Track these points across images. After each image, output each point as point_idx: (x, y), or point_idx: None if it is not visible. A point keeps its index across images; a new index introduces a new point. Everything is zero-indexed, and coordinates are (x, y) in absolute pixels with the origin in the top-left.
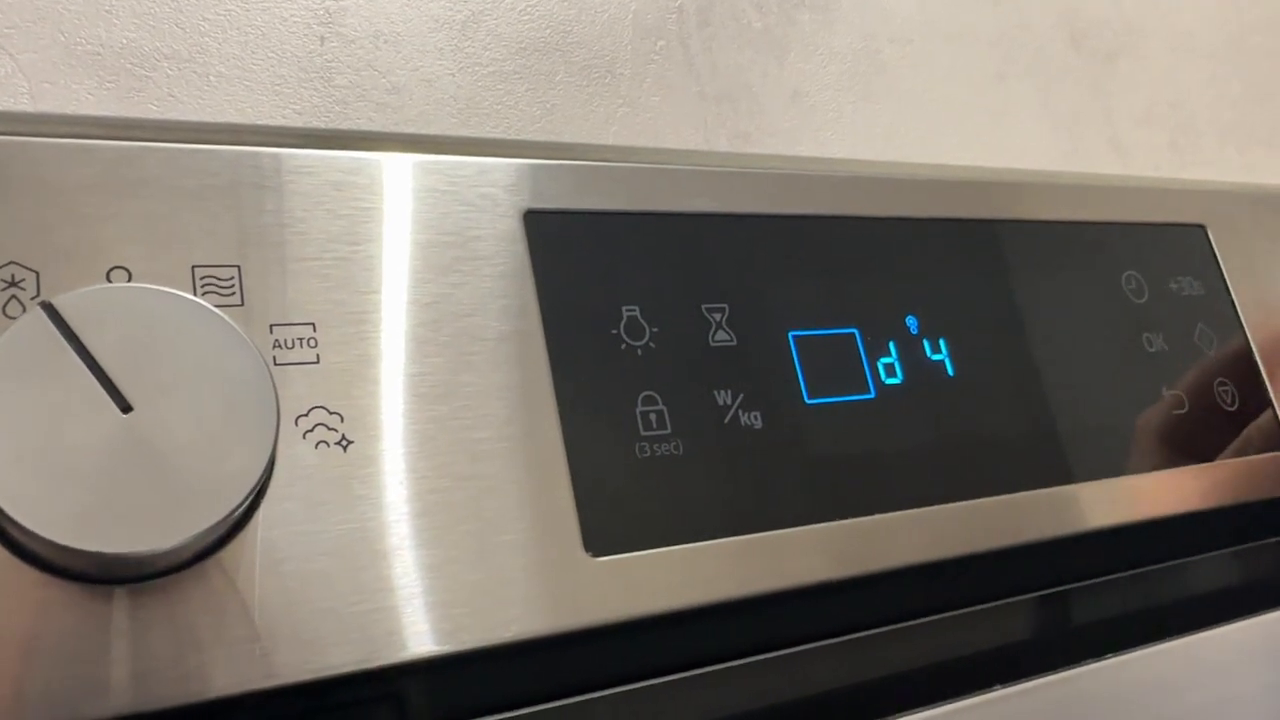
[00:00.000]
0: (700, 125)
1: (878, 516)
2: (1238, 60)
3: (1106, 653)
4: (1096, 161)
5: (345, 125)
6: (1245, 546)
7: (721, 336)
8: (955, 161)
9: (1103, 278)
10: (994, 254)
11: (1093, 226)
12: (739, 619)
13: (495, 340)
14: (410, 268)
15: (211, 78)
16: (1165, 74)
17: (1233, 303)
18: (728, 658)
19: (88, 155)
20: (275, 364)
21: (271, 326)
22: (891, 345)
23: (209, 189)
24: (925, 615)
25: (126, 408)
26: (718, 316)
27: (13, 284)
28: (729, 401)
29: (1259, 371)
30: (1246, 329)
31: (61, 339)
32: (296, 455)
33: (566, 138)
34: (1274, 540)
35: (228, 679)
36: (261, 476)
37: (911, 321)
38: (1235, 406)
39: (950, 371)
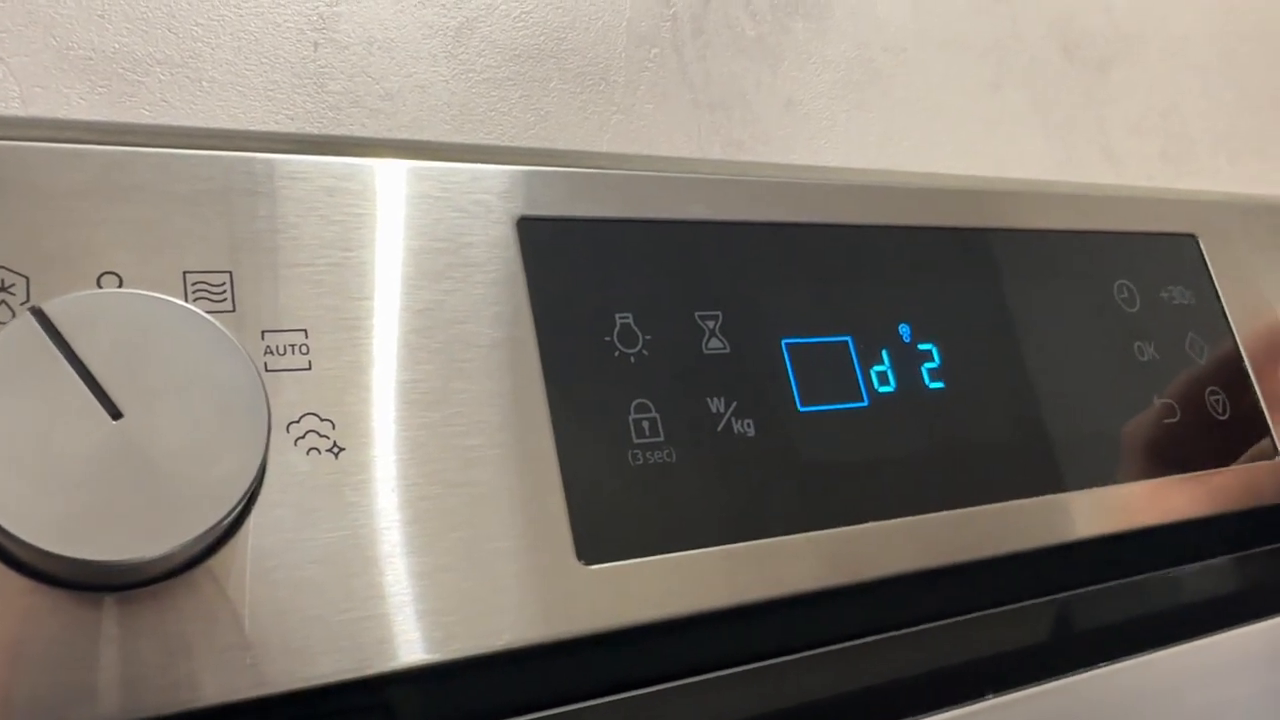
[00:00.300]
0: (694, 133)
1: (871, 525)
2: (1230, 70)
3: (1100, 661)
4: (1089, 170)
5: (338, 131)
6: (1238, 555)
7: (715, 344)
8: (948, 170)
9: (1095, 286)
10: (987, 262)
11: (1085, 235)
12: (732, 627)
13: (488, 347)
14: (403, 274)
15: (204, 83)
16: (1157, 83)
17: (1223, 312)
18: (720, 666)
19: (79, 160)
20: (267, 370)
21: (263, 333)
22: (885, 353)
23: (201, 194)
24: (918, 624)
25: (116, 414)
26: (711, 324)
27: (2, 289)
28: (722, 409)
29: (1250, 380)
30: (1237, 338)
31: (51, 345)
32: (288, 462)
33: (560, 145)
34: (1267, 548)
35: (217, 687)
36: (252, 484)
37: (904, 330)
38: (1226, 415)
39: (943, 380)
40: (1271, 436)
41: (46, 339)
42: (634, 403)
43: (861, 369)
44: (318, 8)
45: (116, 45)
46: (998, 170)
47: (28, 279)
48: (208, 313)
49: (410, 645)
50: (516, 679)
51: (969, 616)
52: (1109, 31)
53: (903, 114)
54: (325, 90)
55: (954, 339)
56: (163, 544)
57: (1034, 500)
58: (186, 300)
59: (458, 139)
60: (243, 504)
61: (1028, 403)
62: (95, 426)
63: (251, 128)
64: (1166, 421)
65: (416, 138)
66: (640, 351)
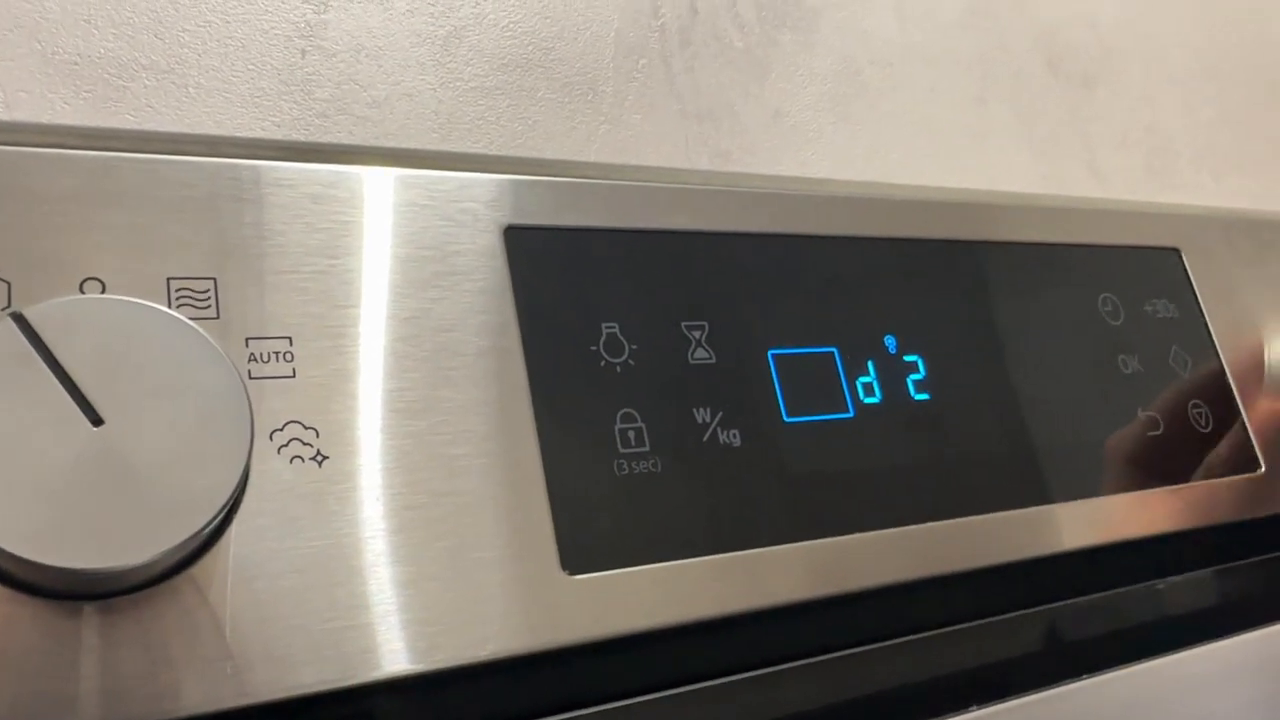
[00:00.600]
0: (681, 144)
1: (856, 536)
2: (1213, 86)
3: (1085, 673)
4: (1074, 184)
5: (325, 139)
6: (1222, 567)
7: (701, 354)
8: (935, 183)
9: (1080, 299)
10: (973, 275)
11: (1070, 249)
12: (716, 638)
13: (474, 356)
14: (389, 282)
15: (190, 89)
16: (1142, 99)
17: (1206, 326)
18: (705, 677)
19: (63, 165)
20: (250, 377)
21: (247, 340)
22: (870, 365)
23: (186, 201)
24: (903, 635)
25: (97, 420)
26: (697, 334)
27: None
28: (708, 419)
29: (1232, 394)
30: (1220, 352)
31: (32, 350)
32: (271, 470)
33: (547, 154)
34: (1251, 561)
35: (199, 697)
36: (234, 492)
37: (890, 341)
38: (1209, 428)
39: (928, 391)
40: (1254, 449)
41: (27, 344)
42: (620, 412)
43: (847, 380)
44: (305, 15)
45: (102, 50)
46: (983, 183)
47: (10, 284)
48: (191, 319)
49: (394, 655)
50: (501, 689)
51: (954, 628)
52: (1094, 47)
53: (889, 127)
54: (312, 97)
55: (939, 351)
56: (143, 552)
57: (1018, 512)
58: (170, 307)
59: (445, 147)
60: (224, 512)
61: (1012, 415)
62: (76, 433)
63: (237, 134)
64: (1150, 434)
65: (404, 146)
66: (626, 361)
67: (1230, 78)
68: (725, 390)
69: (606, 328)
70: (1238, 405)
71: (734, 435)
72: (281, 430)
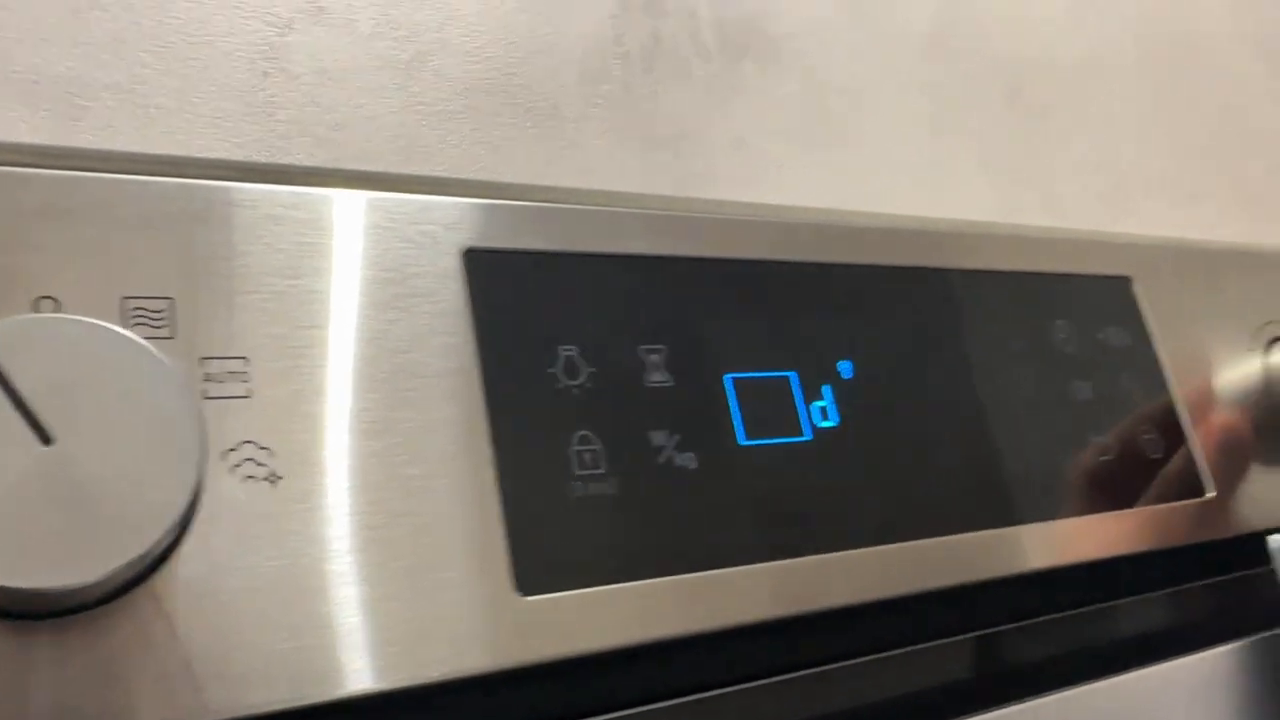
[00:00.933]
0: (642, 169)
1: (811, 558)
2: (1166, 119)
3: (1036, 693)
4: (1030, 213)
5: (286, 160)
6: (1169, 590)
7: (658, 377)
8: (893, 210)
9: (1033, 327)
10: (928, 301)
11: (1024, 276)
12: (670, 659)
13: (432, 377)
14: (348, 303)
15: (152, 109)
16: (1097, 130)
17: (1157, 353)
18: (659, 698)
19: (21, 183)
20: (205, 397)
21: (202, 359)
22: (826, 389)
23: (144, 220)
24: (857, 657)
25: (47, 440)
26: (655, 358)
27: None
28: (664, 442)
29: (1181, 420)
30: (1170, 379)
31: None
32: (224, 490)
33: (509, 178)
34: (1198, 584)
35: (152, 717)
36: (185, 511)
37: (846, 366)
38: (1159, 454)
39: (883, 416)
40: (1202, 475)
41: None
42: (576, 434)
43: (804, 404)
44: (269, 37)
45: (63, 70)
46: (941, 211)
47: None
48: (146, 339)
49: (347, 675)
50: (455, 710)
51: (908, 650)
52: (1052, 79)
53: (849, 155)
54: (274, 119)
55: (895, 376)
56: (93, 571)
57: (972, 535)
58: (125, 326)
59: (407, 170)
60: (175, 531)
61: (966, 440)
62: (25, 452)
63: (199, 155)
64: (1101, 460)
65: (365, 168)
66: (584, 384)
67: (1183, 111)
68: (682, 413)
69: (564, 350)
70: (1186, 432)
71: (690, 458)
72: (235, 450)
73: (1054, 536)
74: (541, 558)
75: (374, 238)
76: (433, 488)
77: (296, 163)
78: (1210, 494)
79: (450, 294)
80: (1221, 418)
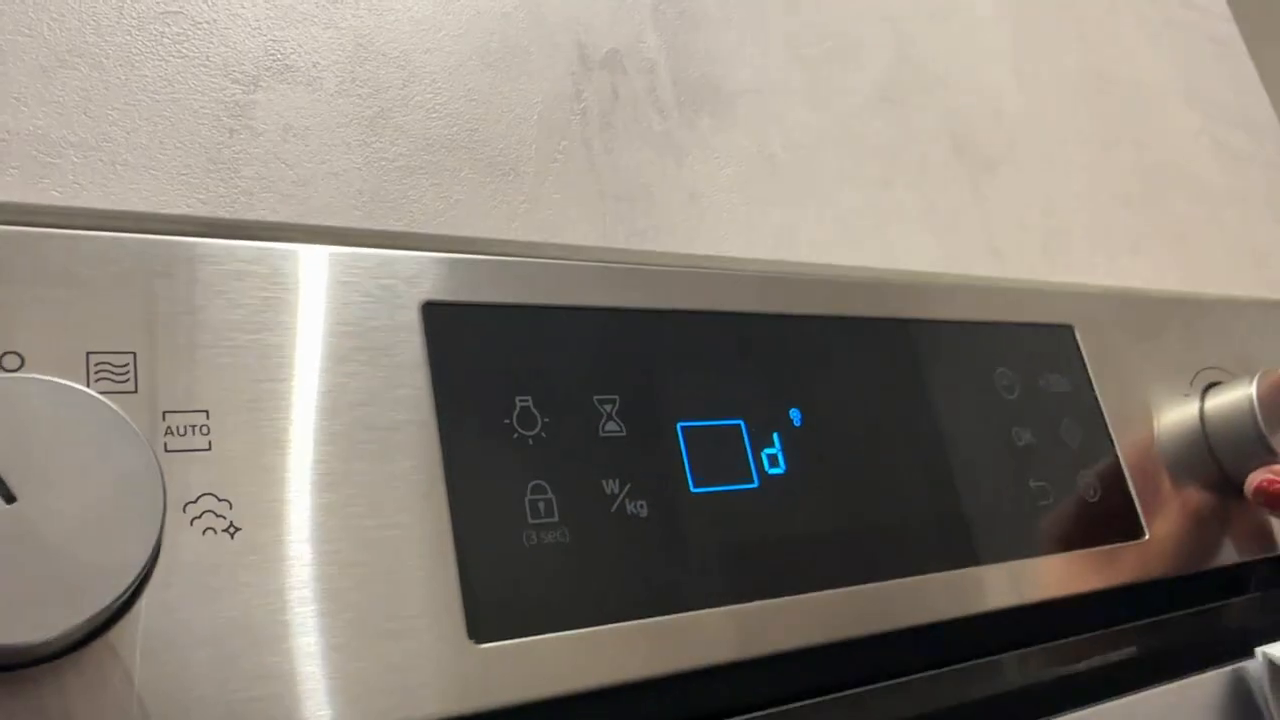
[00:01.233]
0: (600, 223)
1: (759, 603)
2: (1108, 171)
3: None
4: (974, 263)
5: (250, 216)
6: (1106, 631)
7: (611, 427)
8: (842, 262)
9: (976, 374)
10: (875, 350)
11: (968, 325)
12: (622, 704)
13: (389, 429)
14: (308, 357)
15: (118, 166)
16: (1040, 182)
17: (1097, 399)
18: None
19: None
20: (166, 450)
21: (164, 413)
22: (775, 436)
23: (109, 276)
24: (799, 700)
25: (10, 498)
26: (608, 408)
27: None
28: (616, 490)
29: (1120, 465)
30: (1109, 424)
31: None
32: (184, 542)
33: (469, 232)
34: (1134, 625)
35: None
36: (144, 567)
37: (795, 414)
38: (1097, 498)
39: (830, 463)
40: (1139, 518)
41: None
42: (531, 484)
43: (753, 451)
44: (235, 95)
45: (31, 127)
46: (888, 262)
47: None
48: (109, 393)
49: None
50: None
51: (845, 694)
52: (997, 133)
53: (799, 208)
54: (239, 175)
55: (842, 424)
56: (53, 628)
57: (914, 579)
58: (89, 380)
59: (368, 225)
60: (134, 587)
61: (910, 486)
62: None
63: (164, 211)
64: (1041, 504)
65: (327, 223)
66: (539, 434)
67: (1124, 164)
68: (634, 462)
69: (520, 401)
70: (1124, 476)
71: (641, 506)
72: (195, 502)
73: (994, 580)
74: (494, 605)
75: (335, 292)
76: (388, 538)
77: (260, 218)
78: (1146, 536)
79: (409, 347)
80: (1158, 462)
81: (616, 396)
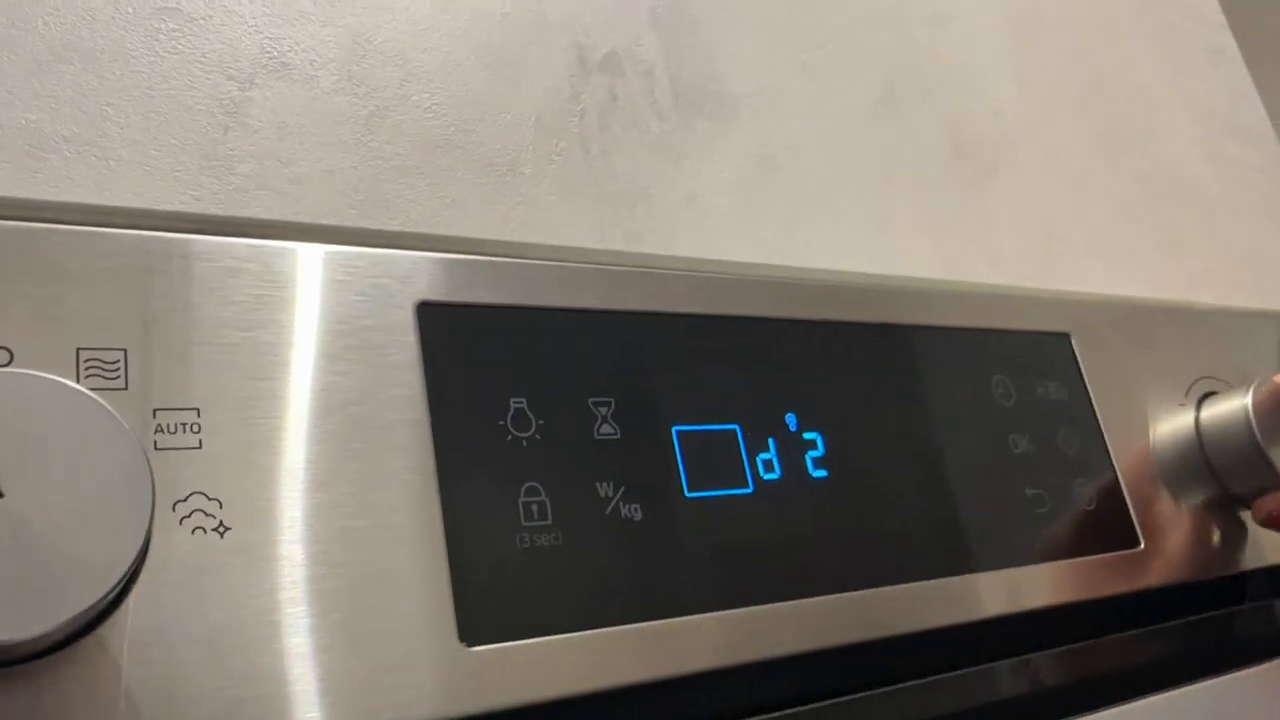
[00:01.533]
0: (596, 225)
1: (754, 608)
2: (1106, 179)
3: None
4: (972, 269)
5: (244, 213)
6: (1102, 639)
7: (606, 430)
8: (839, 266)
9: (973, 381)
10: (872, 356)
11: (966, 332)
12: (614, 709)
13: (382, 429)
14: (301, 355)
15: (111, 162)
16: (1039, 189)
17: (1093, 407)
18: None
19: None
20: (156, 448)
21: (155, 411)
22: (771, 442)
23: (100, 271)
24: (793, 706)
25: None
26: (604, 410)
27: None
28: (610, 494)
29: (1116, 474)
30: (1105, 433)
31: None
32: (173, 541)
33: (465, 233)
34: (1129, 633)
35: None
36: (132, 565)
37: (791, 419)
38: (1093, 506)
39: (826, 468)
40: (1134, 527)
41: None
42: (524, 486)
43: (748, 456)
44: (230, 92)
45: (23, 121)
46: (886, 267)
47: None
48: (99, 390)
49: None
50: None
51: (840, 700)
52: (996, 139)
53: (798, 211)
54: (233, 173)
55: (838, 429)
56: (41, 624)
57: (910, 586)
58: (79, 377)
59: (363, 224)
60: (122, 584)
61: (907, 492)
62: None
63: (157, 208)
64: (1037, 511)
65: (322, 222)
66: (533, 436)
67: (1122, 172)
68: (629, 465)
69: (515, 403)
70: (1120, 485)
71: (635, 509)
72: (185, 501)
73: (990, 588)
74: (486, 608)
75: (329, 291)
76: (380, 539)
77: (254, 216)
78: (1141, 545)
79: (403, 347)
80: (1154, 471)
81: (612, 399)
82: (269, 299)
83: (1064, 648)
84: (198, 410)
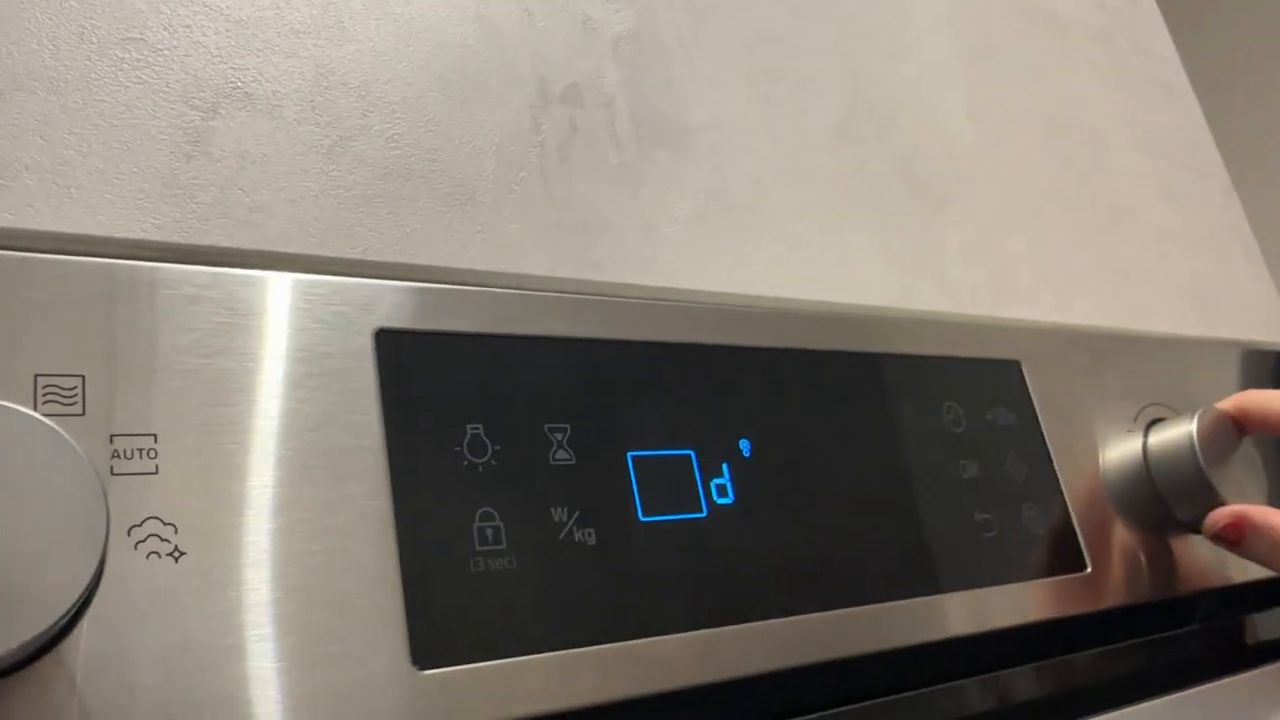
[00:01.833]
0: (555, 253)
1: (705, 631)
2: (1057, 210)
3: None
4: (924, 298)
5: (206, 241)
6: (1048, 661)
7: (562, 455)
8: (795, 295)
9: (925, 407)
10: (825, 383)
11: (917, 359)
12: None
13: (338, 455)
14: (260, 382)
15: (73, 190)
16: (991, 220)
17: (1042, 433)
18: None
19: None
20: (113, 474)
21: (112, 436)
22: (725, 467)
23: (59, 299)
24: None
25: None
26: (559, 436)
27: None
28: (565, 518)
29: (1064, 498)
30: (1054, 458)
31: None
32: (127, 565)
33: (424, 261)
34: (1075, 655)
35: None
36: (86, 590)
37: (744, 445)
38: (1041, 530)
39: (779, 493)
40: (1081, 551)
41: None
42: (479, 511)
43: (702, 481)
44: (193, 122)
45: None
46: (841, 296)
47: None
48: (56, 416)
49: None
50: None
51: None
52: (949, 170)
53: (754, 241)
54: (195, 201)
55: (791, 455)
56: None
57: (861, 609)
58: (37, 403)
59: (323, 252)
60: (75, 610)
61: (857, 517)
62: None
63: (117, 235)
64: (985, 535)
65: (282, 250)
66: (489, 461)
67: (1072, 203)
68: (583, 490)
69: (471, 428)
70: (1068, 509)
71: (589, 534)
72: (140, 526)
73: (939, 611)
74: (439, 632)
75: (288, 317)
76: (335, 563)
77: (214, 244)
78: (1088, 569)
79: (361, 373)
80: (1101, 496)
81: (568, 425)
82: (229, 326)
83: (1010, 670)
84: (155, 436)
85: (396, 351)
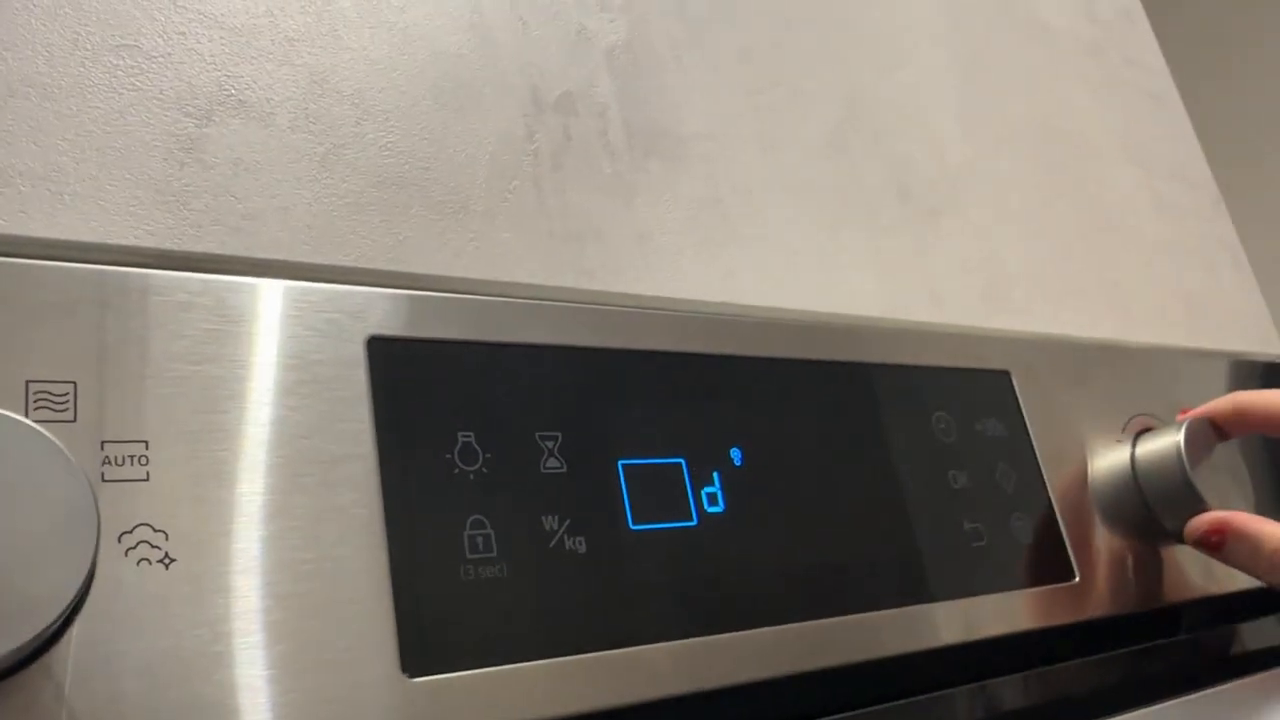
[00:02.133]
0: (548, 262)
1: (696, 639)
2: (1047, 221)
3: None
4: (916, 308)
5: (199, 249)
6: (1037, 670)
7: (553, 464)
8: (787, 305)
9: (915, 417)
10: (817, 392)
11: (908, 369)
12: None
13: (329, 462)
14: (251, 389)
15: (66, 196)
16: (982, 230)
17: (1031, 444)
18: None
19: None
20: (104, 480)
21: (103, 443)
22: (715, 475)
23: (51, 305)
24: None
25: None
26: (550, 444)
27: None
28: (555, 526)
29: (1052, 508)
30: (1042, 468)
31: None
32: (117, 572)
33: (417, 269)
34: (1064, 664)
35: None
36: (75, 597)
37: (735, 454)
38: (1029, 540)
39: (770, 502)
40: (1070, 560)
41: None
42: (470, 519)
43: (693, 490)
44: (187, 129)
45: None
46: (832, 306)
47: None
48: (47, 422)
49: None
50: None
51: None
52: (941, 181)
53: (747, 251)
54: (188, 208)
55: (783, 464)
56: None
57: (851, 618)
58: (28, 409)
59: (316, 260)
60: (64, 617)
61: (847, 527)
62: None
63: (110, 241)
64: (975, 545)
65: (275, 257)
66: (480, 469)
67: (1062, 214)
68: (574, 498)
69: (463, 436)
70: (1057, 518)
71: (580, 542)
72: (131, 533)
73: (928, 620)
74: (429, 640)
75: (280, 325)
76: (324, 571)
77: (208, 251)
78: (1076, 579)
79: (353, 381)
80: (1089, 506)
81: (559, 433)
82: (221, 333)
83: (1000, 679)
84: (146, 443)
85: (388, 359)
